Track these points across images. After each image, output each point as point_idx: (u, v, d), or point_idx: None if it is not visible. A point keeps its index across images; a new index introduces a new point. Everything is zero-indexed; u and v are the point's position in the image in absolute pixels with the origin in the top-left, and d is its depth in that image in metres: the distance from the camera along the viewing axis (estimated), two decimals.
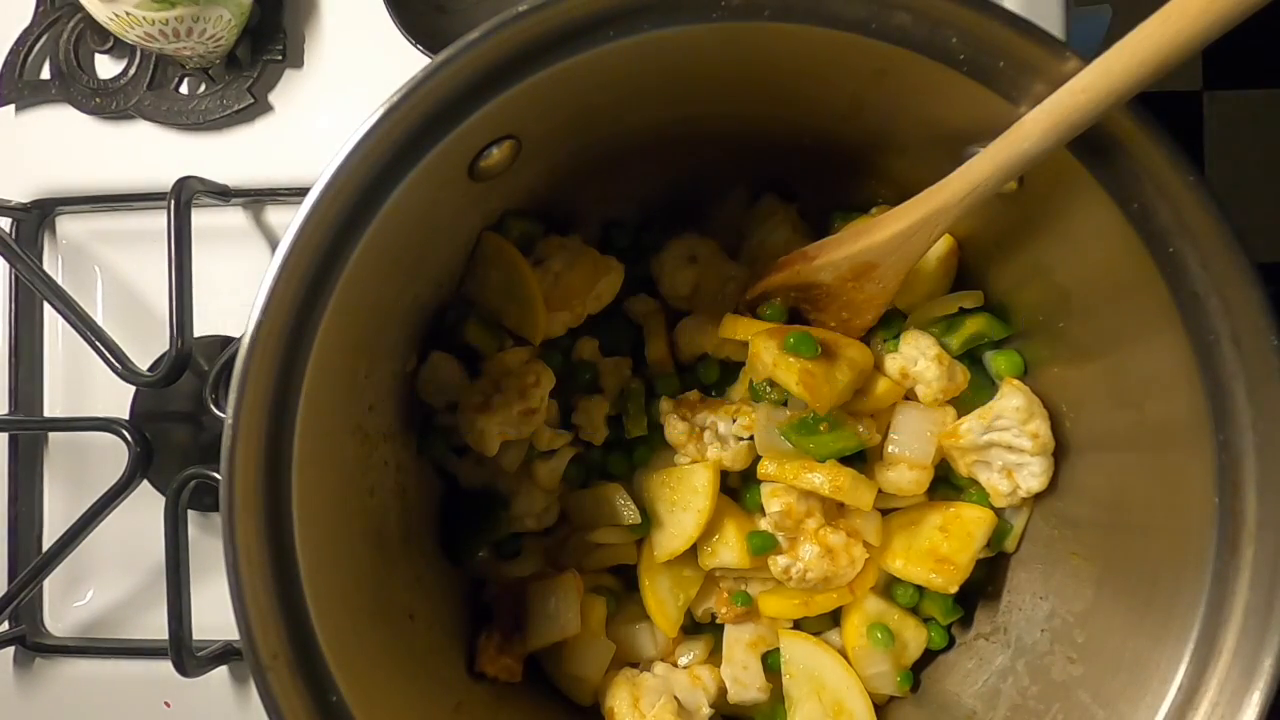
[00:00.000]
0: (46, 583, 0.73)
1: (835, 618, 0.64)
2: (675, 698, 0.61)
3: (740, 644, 0.63)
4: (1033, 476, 0.58)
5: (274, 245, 0.67)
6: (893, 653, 0.61)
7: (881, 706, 0.62)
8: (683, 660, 0.64)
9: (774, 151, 0.61)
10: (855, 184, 0.62)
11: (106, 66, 0.75)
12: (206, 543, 0.70)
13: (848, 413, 0.60)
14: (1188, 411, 0.46)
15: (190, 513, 0.67)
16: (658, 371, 0.66)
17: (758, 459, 0.61)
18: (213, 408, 0.64)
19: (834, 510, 0.61)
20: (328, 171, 0.44)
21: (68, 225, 0.75)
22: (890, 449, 0.61)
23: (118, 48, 0.75)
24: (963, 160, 0.49)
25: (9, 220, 0.74)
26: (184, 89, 0.74)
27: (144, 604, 0.74)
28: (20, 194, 0.75)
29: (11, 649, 0.73)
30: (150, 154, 0.74)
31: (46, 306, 0.74)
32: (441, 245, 0.57)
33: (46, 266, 0.74)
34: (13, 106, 0.76)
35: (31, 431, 0.75)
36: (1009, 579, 0.63)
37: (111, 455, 0.71)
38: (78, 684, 0.74)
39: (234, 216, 0.74)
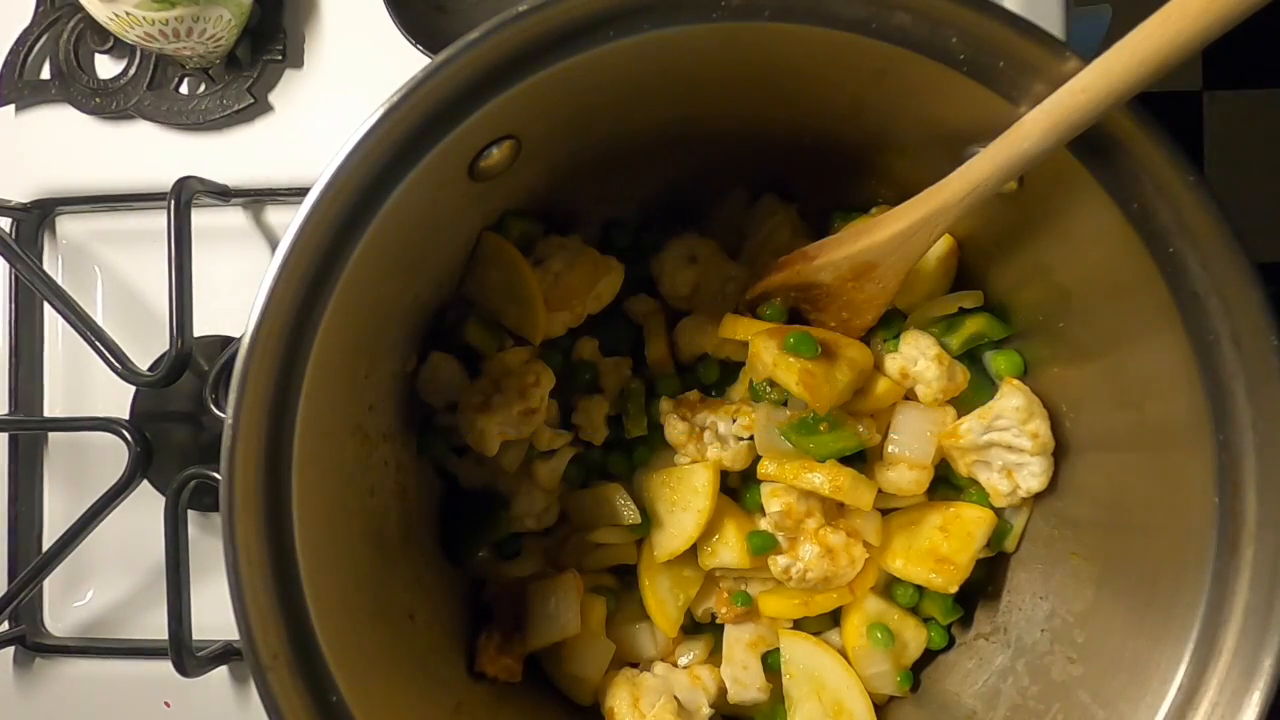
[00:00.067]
0: (46, 583, 0.73)
1: (835, 618, 0.64)
2: (675, 698, 0.61)
3: (740, 644, 0.63)
4: (1032, 476, 0.58)
5: (274, 245, 0.67)
6: (893, 653, 0.61)
7: (881, 706, 0.62)
8: (683, 660, 0.64)
9: (774, 151, 0.61)
10: (855, 184, 0.62)
11: (106, 66, 0.75)
12: (206, 543, 0.70)
13: (848, 413, 0.60)
14: (1188, 411, 0.46)
15: (190, 513, 0.67)
16: (658, 371, 0.66)
17: (758, 459, 0.61)
18: (213, 408, 0.64)
19: (834, 510, 0.61)
20: (328, 171, 0.44)
21: (68, 225, 0.75)
22: (890, 449, 0.61)
23: (118, 48, 0.75)
24: (963, 160, 0.49)
25: (9, 220, 0.74)
26: (184, 89, 0.74)
27: (144, 604, 0.74)
28: (20, 194, 0.75)
29: (11, 649, 0.73)
30: (150, 154, 0.74)
31: (46, 306, 0.74)
32: (441, 245, 0.57)
33: (46, 266, 0.74)
34: (13, 106, 0.76)
35: (31, 431, 0.75)
36: (1009, 579, 0.63)
37: (111, 455, 0.71)
38: (78, 684, 0.74)
39: (234, 216, 0.74)
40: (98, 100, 0.74)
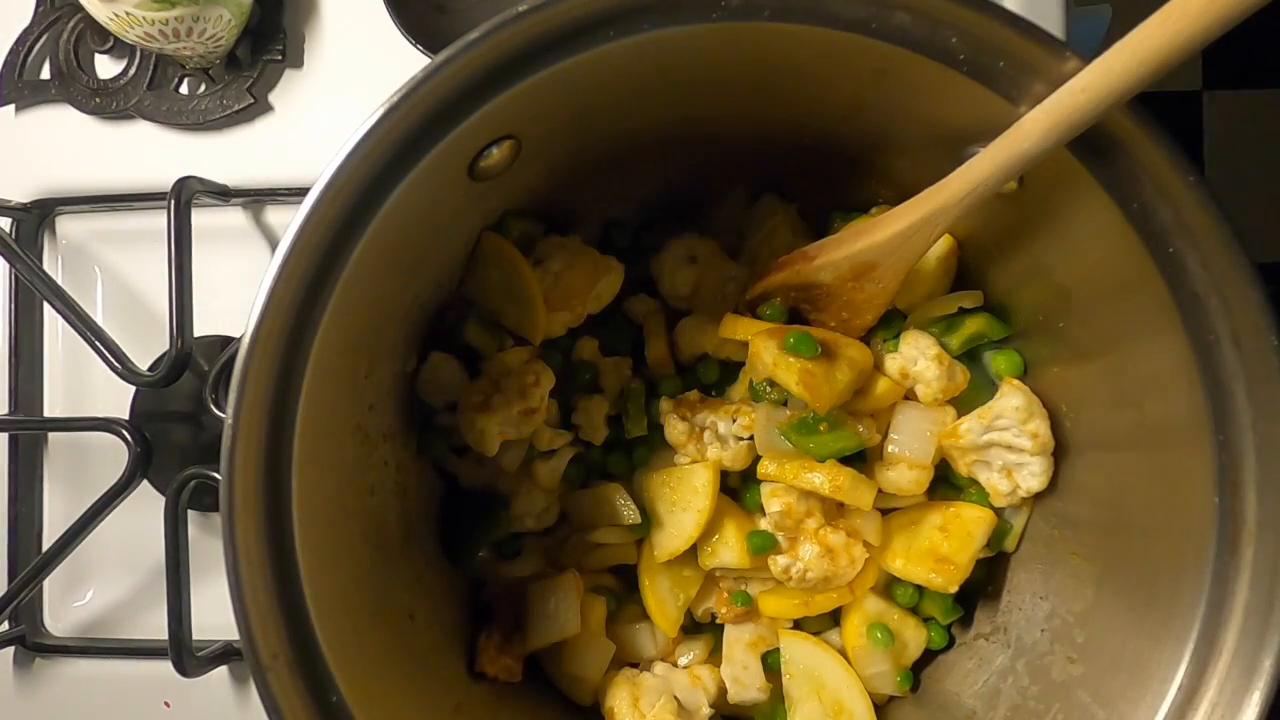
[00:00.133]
0: (46, 583, 0.73)
1: (835, 618, 0.64)
2: (675, 698, 0.61)
3: (740, 644, 0.63)
4: (1032, 476, 0.58)
5: (274, 245, 0.67)
6: (893, 652, 0.61)
7: (881, 706, 0.62)
8: (683, 660, 0.64)
9: (774, 151, 0.61)
10: (855, 184, 0.62)
11: (106, 66, 0.75)
12: (206, 543, 0.70)
13: (848, 413, 0.60)
14: (1188, 411, 0.46)
15: (190, 513, 0.67)
16: (658, 371, 0.66)
17: (758, 459, 0.61)
18: (213, 408, 0.64)
19: (834, 510, 0.61)
20: (328, 171, 0.44)
21: (68, 225, 0.75)
22: (890, 449, 0.61)
23: (118, 48, 0.75)
24: (963, 160, 0.49)
25: (9, 220, 0.74)
26: (184, 89, 0.74)
27: (144, 604, 0.74)
28: (20, 194, 0.75)
29: (11, 649, 0.73)
30: (150, 154, 0.74)
31: (46, 306, 0.74)
32: (441, 245, 0.57)
33: (46, 266, 0.74)
34: (13, 106, 0.76)
35: (31, 431, 0.75)
36: (1009, 579, 0.63)
37: (111, 455, 0.71)
38: (78, 684, 0.74)
39: (234, 216, 0.74)
40: (98, 100, 0.74)
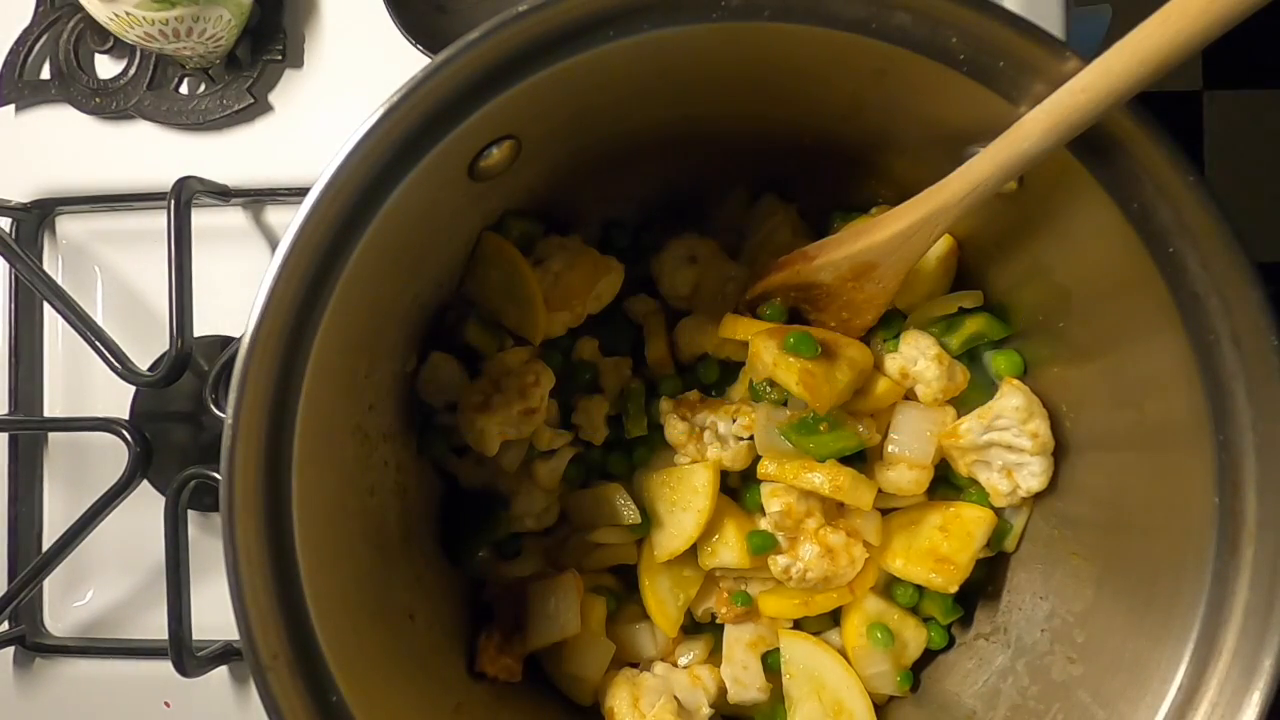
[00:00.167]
0: (46, 583, 0.73)
1: (835, 618, 0.64)
2: (675, 698, 0.61)
3: (740, 644, 0.63)
4: (1032, 476, 0.58)
5: (274, 245, 0.67)
6: (893, 652, 0.61)
7: (881, 706, 0.62)
8: (683, 660, 0.64)
9: (774, 151, 0.61)
10: (855, 184, 0.62)
11: (106, 66, 0.75)
12: (206, 543, 0.70)
13: (848, 413, 0.60)
14: (1188, 411, 0.46)
15: (190, 513, 0.67)
16: (658, 371, 0.66)
17: (758, 459, 0.61)
18: (213, 408, 0.64)
19: (834, 510, 0.61)
20: (328, 171, 0.44)
21: (68, 225, 0.75)
22: (890, 449, 0.61)
23: (118, 48, 0.75)
24: (963, 160, 0.49)
25: (9, 220, 0.74)
26: (184, 89, 0.74)
27: (144, 604, 0.74)
28: (20, 194, 0.75)
29: (11, 649, 0.73)
30: (150, 154, 0.74)
31: (46, 306, 0.74)
32: (441, 245, 0.57)
33: (46, 266, 0.74)
34: (13, 106, 0.76)
35: (31, 431, 0.75)
36: (1009, 579, 0.63)
37: (111, 455, 0.71)
38: (78, 684, 0.74)
39: (234, 216, 0.74)
40: (98, 100, 0.74)
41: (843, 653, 0.62)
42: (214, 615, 0.62)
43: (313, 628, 0.45)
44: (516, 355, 0.61)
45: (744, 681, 0.62)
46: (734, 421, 0.61)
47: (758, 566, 0.62)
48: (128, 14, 0.65)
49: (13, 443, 0.74)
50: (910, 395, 0.61)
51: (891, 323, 0.62)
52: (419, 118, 0.44)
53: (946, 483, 0.63)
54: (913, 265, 0.56)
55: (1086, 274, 0.52)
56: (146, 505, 0.70)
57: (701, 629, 0.65)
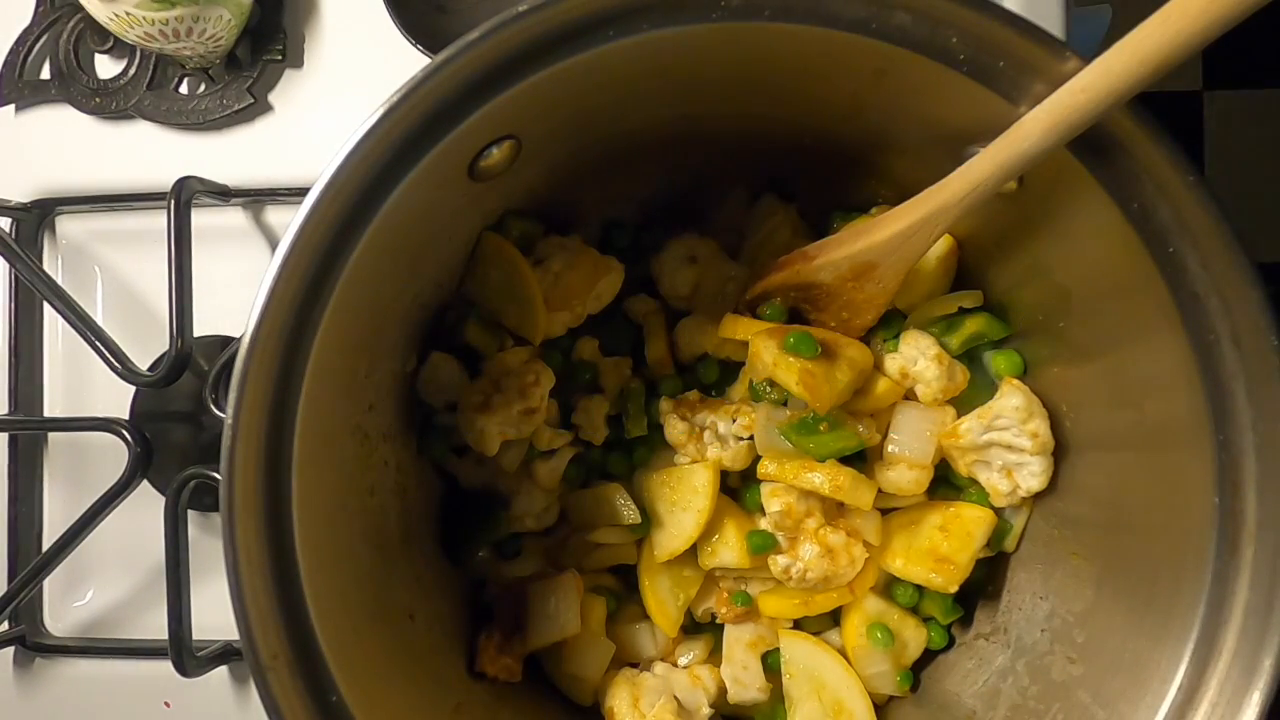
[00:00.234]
0: (46, 583, 0.73)
1: (835, 618, 0.64)
2: (675, 698, 0.61)
3: (740, 644, 0.63)
4: (1032, 476, 0.58)
5: (274, 245, 0.67)
6: (893, 652, 0.61)
7: (881, 706, 0.62)
8: (683, 660, 0.64)
9: (774, 151, 0.61)
10: (855, 184, 0.62)
11: (106, 66, 0.75)
12: (206, 543, 0.70)
13: (848, 413, 0.60)
14: (1188, 411, 0.46)
15: (190, 513, 0.67)
16: (658, 371, 0.66)
17: (758, 459, 0.61)
18: (213, 408, 0.64)
19: (834, 510, 0.61)
20: (328, 171, 0.44)
21: (68, 225, 0.75)
22: (890, 449, 0.61)
23: (118, 48, 0.75)
24: (963, 160, 0.49)
25: (9, 220, 0.74)
26: (184, 89, 0.74)
27: (144, 604, 0.74)
28: (20, 194, 0.75)
29: (11, 649, 0.73)
30: (150, 154, 0.74)
31: (46, 306, 0.74)
32: (441, 245, 0.57)
33: (46, 266, 0.74)
34: (13, 106, 0.76)
35: (31, 431, 0.75)
36: (1009, 579, 0.63)
37: (111, 455, 0.71)
38: (78, 684, 0.74)
39: (234, 216, 0.74)
40: (98, 100, 0.74)
41: (843, 653, 0.62)
42: (214, 615, 0.62)
43: (313, 628, 0.45)
44: (516, 355, 0.61)
45: (744, 681, 0.62)
46: (734, 421, 0.61)
47: (758, 566, 0.62)
48: (128, 14, 0.65)
49: (13, 443, 0.74)
50: (910, 395, 0.61)
51: (891, 323, 0.62)
52: (419, 118, 0.44)
53: (946, 483, 0.63)
54: (913, 265, 0.56)
55: (1086, 274, 0.52)
56: (146, 505, 0.70)
57: (701, 629, 0.65)
